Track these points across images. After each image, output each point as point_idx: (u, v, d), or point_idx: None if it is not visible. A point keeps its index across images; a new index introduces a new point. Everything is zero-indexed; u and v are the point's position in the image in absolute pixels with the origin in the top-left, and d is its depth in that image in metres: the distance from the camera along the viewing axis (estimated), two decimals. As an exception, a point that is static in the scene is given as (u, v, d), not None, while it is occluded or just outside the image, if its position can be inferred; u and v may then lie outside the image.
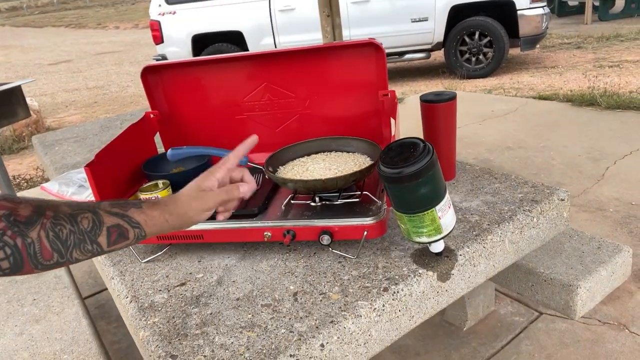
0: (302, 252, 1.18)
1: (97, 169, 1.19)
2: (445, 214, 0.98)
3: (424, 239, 1.00)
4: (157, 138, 1.51)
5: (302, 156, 1.33)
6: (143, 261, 1.23)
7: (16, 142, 6.25)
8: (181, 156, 1.22)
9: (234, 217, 1.15)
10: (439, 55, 7.68)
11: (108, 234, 0.68)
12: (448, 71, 7.07)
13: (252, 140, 0.90)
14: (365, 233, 1.09)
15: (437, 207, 0.96)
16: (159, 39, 7.66)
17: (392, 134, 1.17)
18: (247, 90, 1.41)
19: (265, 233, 1.14)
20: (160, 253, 1.25)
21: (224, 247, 1.24)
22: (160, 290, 1.11)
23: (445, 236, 1.00)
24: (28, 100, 7.00)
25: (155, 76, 1.42)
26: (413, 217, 0.97)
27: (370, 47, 1.28)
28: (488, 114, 4.53)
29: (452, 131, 1.39)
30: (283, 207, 1.19)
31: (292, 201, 1.18)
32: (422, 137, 1.43)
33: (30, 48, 20.58)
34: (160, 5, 7.59)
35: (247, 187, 0.84)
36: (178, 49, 7.54)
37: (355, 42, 1.28)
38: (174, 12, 7.51)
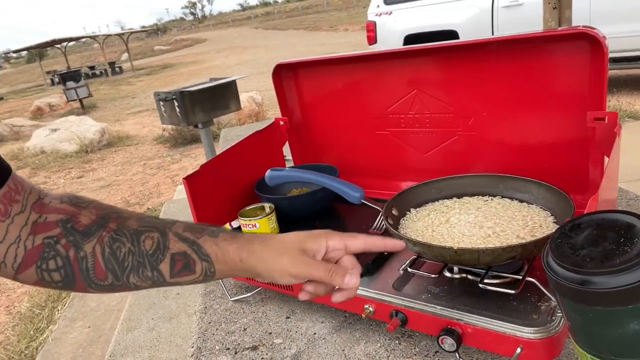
0: (419, 345, 0.79)
1: (199, 182, 1.01)
2: (685, 377, 0.48)
3: (630, 409, 0.51)
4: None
5: (451, 197, 0.93)
6: (231, 299, 1.02)
7: (238, 130, 7.06)
8: (280, 180, 0.96)
9: (332, 272, 0.84)
10: None
11: (172, 262, 0.56)
12: None
13: (396, 244, 0.65)
14: (519, 350, 0.64)
15: (667, 363, 0.47)
16: (372, 39, 7.70)
17: (601, 182, 0.68)
18: (393, 98, 1.06)
19: (366, 306, 0.79)
20: (249, 294, 1.01)
21: (322, 305, 0.94)
22: (228, 348, 0.87)
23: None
24: (252, 94, 7.86)
25: (288, 76, 1.19)
26: (608, 366, 0.50)
27: (583, 41, 0.79)
28: None
29: None
30: (401, 272, 0.82)
31: (409, 269, 0.80)
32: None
33: (273, 48, 23.67)
34: (378, 6, 7.61)
35: (355, 280, 0.58)
36: (389, 50, 7.44)
37: (556, 32, 0.81)
38: (390, 13, 7.44)
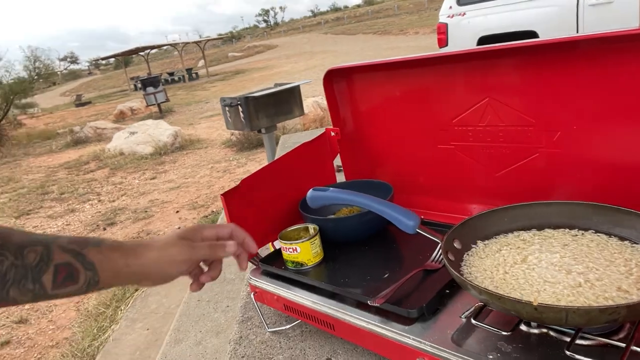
0: (484, 414, 0.64)
1: (238, 199, 0.93)
2: None
3: None
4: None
5: (529, 229, 0.76)
6: (269, 329, 0.92)
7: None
8: (323, 202, 0.84)
9: (380, 312, 0.71)
10: None
11: (55, 273, 0.57)
12: None
13: (243, 264, 0.72)
14: None
15: None
16: (443, 42, 7.40)
17: None
18: (460, 107, 0.92)
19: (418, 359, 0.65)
20: (288, 326, 0.91)
21: (367, 350, 0.81)
22: (258, 390, 0.77)
23: None
24: (318, 99, 7.84)
25: (341, 82, 1.08)
26: None
27: None
28: None
29: None
30: (463, 319, 0.68)
31: (474, 320, 0.65)
32: None
33: (341, 53, 23.72)
34: (450, 7, 7.30)
35: (233, 246, 0.68)
36: (460, 53, 7.11)
37: (676, 25, 0.63)
38: (463, 14, 7.11)
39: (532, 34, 6.36)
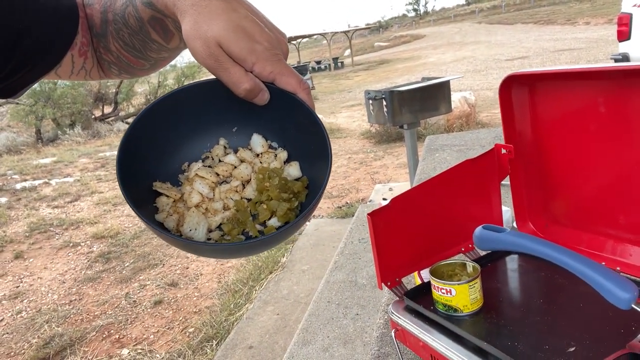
0: None
1: (387, 220, 0.82)
2: None
3: None
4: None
5: None
6: (408, 375, 0.80)
7: (446, 131, 6.72)
8: (498, 247, 0.67)
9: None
10: None
11: (155, 31, 0.56)
12: None
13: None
14: None
15: None
16: (625, 34, 6.39)
17: None
18: (697, 136, 0.68)
19: None
20: (432, 377, 0.78)
21: None
22: None
23: None
24: (466, 93, 7.40)
25: (522, 91, 0.89)
26: None
27: None
28: None
29: None
30: None
31: None
32: None
33: (495, 44, 22.17)
34: (639, -6, 6.24)
35: (246, 90, 0.49)
36: (647, 47, 6.08)
37: None
38: (655, 1, 6.02)
39: None
